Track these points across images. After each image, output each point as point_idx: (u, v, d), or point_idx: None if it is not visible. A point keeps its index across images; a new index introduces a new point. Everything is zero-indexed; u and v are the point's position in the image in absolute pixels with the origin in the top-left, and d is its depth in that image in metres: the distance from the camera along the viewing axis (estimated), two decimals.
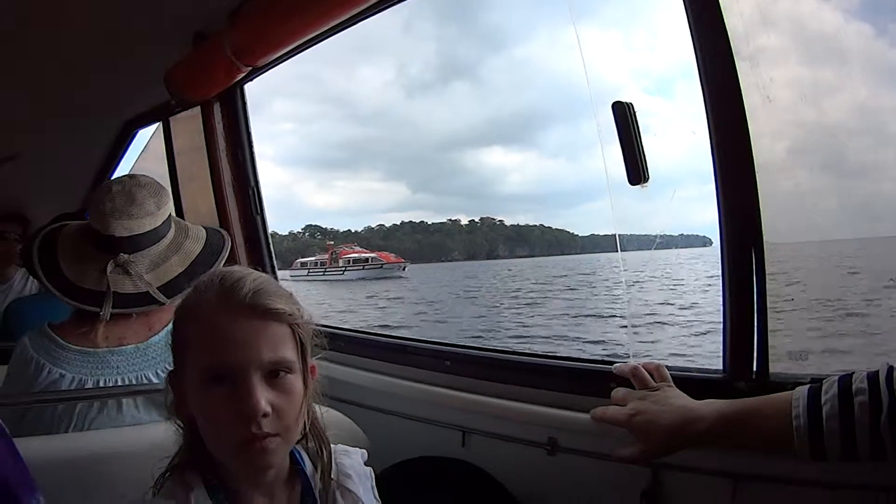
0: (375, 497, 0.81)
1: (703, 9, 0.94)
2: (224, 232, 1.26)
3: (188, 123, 1.85)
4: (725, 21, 0.93)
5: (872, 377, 0.74)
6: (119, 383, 1.06)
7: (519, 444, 1.18)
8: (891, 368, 0.73)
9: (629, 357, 1.10)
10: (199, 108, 1.78)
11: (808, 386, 0.79)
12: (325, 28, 1.42)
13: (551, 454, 1.13)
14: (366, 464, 0.84)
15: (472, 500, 1.18)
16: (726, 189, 0.97)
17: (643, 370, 0.98)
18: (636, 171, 1.04)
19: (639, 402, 0.93)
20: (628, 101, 1.06)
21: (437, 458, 1.26)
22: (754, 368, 0.97)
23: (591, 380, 1.09)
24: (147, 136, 2.28)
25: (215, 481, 0.70)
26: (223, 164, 1.73)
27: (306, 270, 43.50)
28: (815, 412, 0.76)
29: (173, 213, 1.20)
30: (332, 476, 0.77)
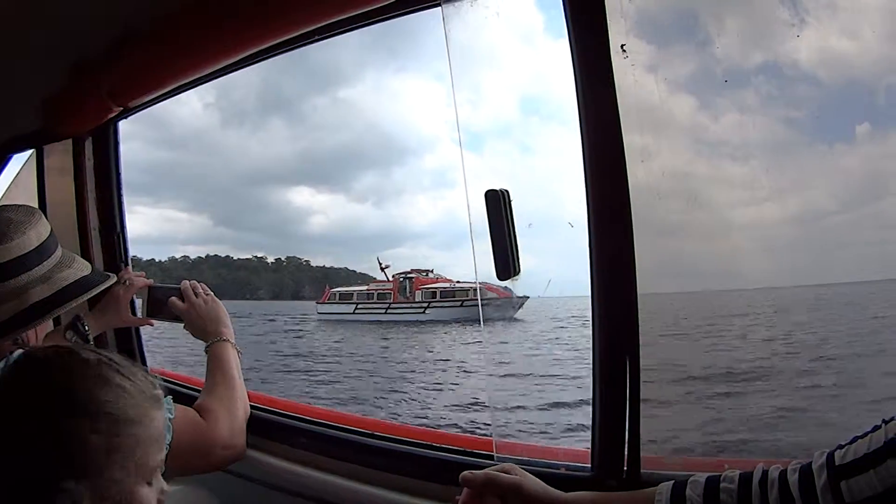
0: None
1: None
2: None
3: (63, 155, 1.70)
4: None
5: (745, 477, 0.73)
6: None
7: None
8: (765, 473, 0.72)
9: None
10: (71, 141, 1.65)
11: (672, 482, 0.77)
12: (203, 74, 1.37)
13: None
14: None
15: None
16: (602, 297, 0.95)
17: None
18: (506, 266, 0.97)
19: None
20: (502, 188, 1.00)
21: None
22: (625, 467, 0.95)
23: (448, 470, 1.03)
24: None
25: None
26: (90, 205, 1.60)
27: (352, 306, 28.26)
28: None
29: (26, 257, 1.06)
30: None
